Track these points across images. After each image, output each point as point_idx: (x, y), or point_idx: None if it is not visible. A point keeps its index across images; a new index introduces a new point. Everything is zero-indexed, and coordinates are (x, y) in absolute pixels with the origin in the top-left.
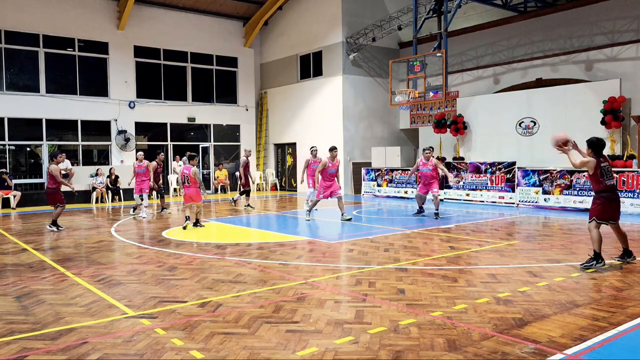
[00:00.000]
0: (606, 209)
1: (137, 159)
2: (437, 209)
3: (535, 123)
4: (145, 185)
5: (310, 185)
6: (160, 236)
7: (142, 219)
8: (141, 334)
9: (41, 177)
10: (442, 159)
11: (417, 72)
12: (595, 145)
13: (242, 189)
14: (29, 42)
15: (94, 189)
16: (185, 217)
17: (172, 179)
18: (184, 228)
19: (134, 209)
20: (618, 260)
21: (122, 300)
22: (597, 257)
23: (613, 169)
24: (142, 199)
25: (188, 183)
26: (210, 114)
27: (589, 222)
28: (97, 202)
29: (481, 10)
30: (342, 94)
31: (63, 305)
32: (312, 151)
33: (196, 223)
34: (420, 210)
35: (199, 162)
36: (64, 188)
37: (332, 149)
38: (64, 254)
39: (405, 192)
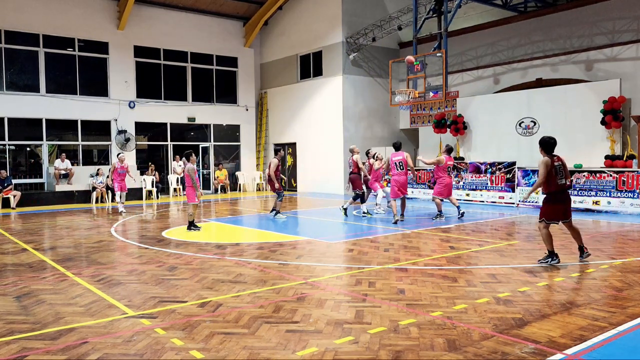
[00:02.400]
0: (556, 210)
1: (120, 160)
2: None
3: (535, 123)
4: (124, 184)
5: (378, 188)
6: (160, 236)
7: (122, 213)
8: (141, 334)
9: (41, 177)
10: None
11: (417, 72)
12: (546, 144)
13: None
14: (29, 42)
15: (94, 188)
16: (190, 222)
17: (172, 179)
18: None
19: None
20: (581, 260)
21: (122, 300)
22: (552, 254)
23: (613, 169)
24: (120, 197)
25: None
26: (210, 114)
27: (539, 221)
28: (97, 202)
29: (481, 10)
30: (342, 94)
31: (63, 305)
32: (375, 155)
33: (189, 226)
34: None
35: (198, 162)
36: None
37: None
38: (64, 254)
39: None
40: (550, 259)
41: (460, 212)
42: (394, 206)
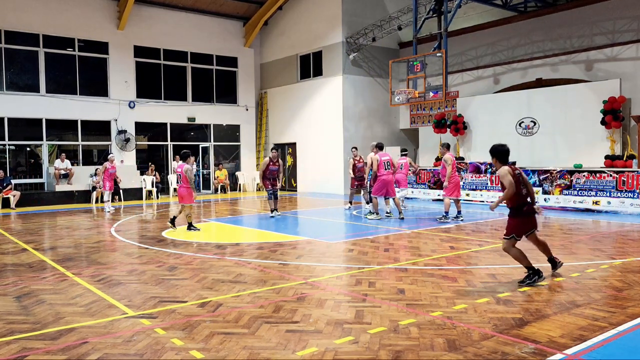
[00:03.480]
0: (526, 223)
1: (110, 161)
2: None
3: (535, 123)
4: (112, 184)
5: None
6: (160, 236)
7: (109, 212)
8: (141, 334)
9: (41, 177)
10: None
11: (417, 72)
12: (501, 152)
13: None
14: (29, 42)
15: (94, 188)
16: (172, 217)
17: (172, 179)
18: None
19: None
20: (521, 284)
21: (122, 300)
22: (534, 271)
23: (613, 169)
24: (108, 197)
25: (180, 182)
26: (210, 114)
27: (507, 238)
28: (97, 202)
29: (481, 10)
30: (342, 94)
31: (63, 305)
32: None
33: (190, 226)
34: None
35: (198, 162)
36: (65, 188)
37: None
38: (64, 254)
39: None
40: (536, 277)
41: (400, 216)
42: (376, 204)
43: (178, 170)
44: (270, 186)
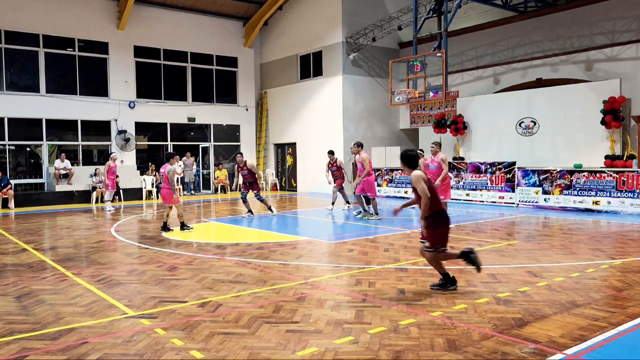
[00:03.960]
0: (446, 232)
1: (113, 160)
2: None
3: (535, 123)
4: (114, 183)
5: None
6: (160, 236)
7: (110, 211)
8: (141, 334)
9: (41, 177)
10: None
11: (417, 72)
12: (411, 158)
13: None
14: (29, 42)
15: (94, 188)
16: (164, 223)
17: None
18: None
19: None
20: (434, 288)
21: (122, 300)
22: (449, 279)
23: (613, 169)
24: (110, 196)
25: (163, 183)
26: (210, 114)
27: (434, 251)
28: (97, 202)
29: (481, 10)
30: (342, 94)
31: (63, 305)
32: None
33: (183, 226)
34: None
35: (198, 162)
36: (65, 188)
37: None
38: (64, 254)
39: (406, 192)
40: (449, 285)
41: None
42: (375, 205)
43: (162, 170)
44: (243, 188)
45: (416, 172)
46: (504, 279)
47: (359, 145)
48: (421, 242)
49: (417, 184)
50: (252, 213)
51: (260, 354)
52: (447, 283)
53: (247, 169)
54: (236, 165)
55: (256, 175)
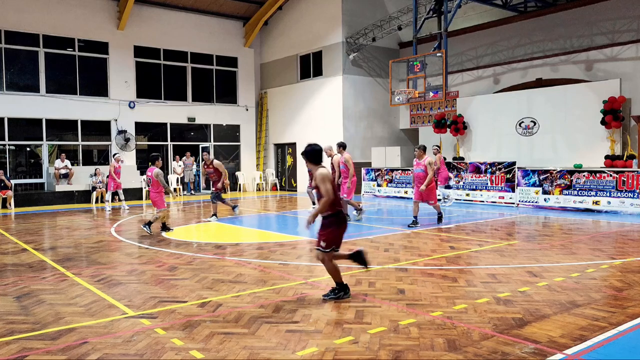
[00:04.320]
0: (342, 233)
1: (117, 160)
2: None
3: (535, 123)
4: (116, 183)
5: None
6: (160, 236)
7: (109, 211)
8: (141, 334)
9: (41, 177)
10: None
11: (417, 72)
12: (312, 153)
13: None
14: (29, 42)
15: (94, 188)
16: (162, 224)
17: (172, 178)
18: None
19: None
20: (327, 298)
21: (122, 300)
22: (343, 287)
23: (613, 169)
24: (120, 195)
25: (149, 186)
26: (210, 114)
27: (330, 251)
28: (97, 202)
29: (481, 10)
30: (342, 94)
31: (63, 305)
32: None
33: (164, 227)
34: (415, 221)
35: (198, 162)
36: (65, 188)
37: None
38: (64, 254)
39: (405, 192)
40: (342, 293)
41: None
42: (354, 204)
43: (148, 174)
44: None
45: (322, 170)
46: (504, 279)
47: (343, 146)
48: (316, 248)
49: (321, 183)
50: (216, 216)
51: (260, 354)
52: (341, 291)
53: (214, 167)
54: (202, 163)
55: (223, 175)
